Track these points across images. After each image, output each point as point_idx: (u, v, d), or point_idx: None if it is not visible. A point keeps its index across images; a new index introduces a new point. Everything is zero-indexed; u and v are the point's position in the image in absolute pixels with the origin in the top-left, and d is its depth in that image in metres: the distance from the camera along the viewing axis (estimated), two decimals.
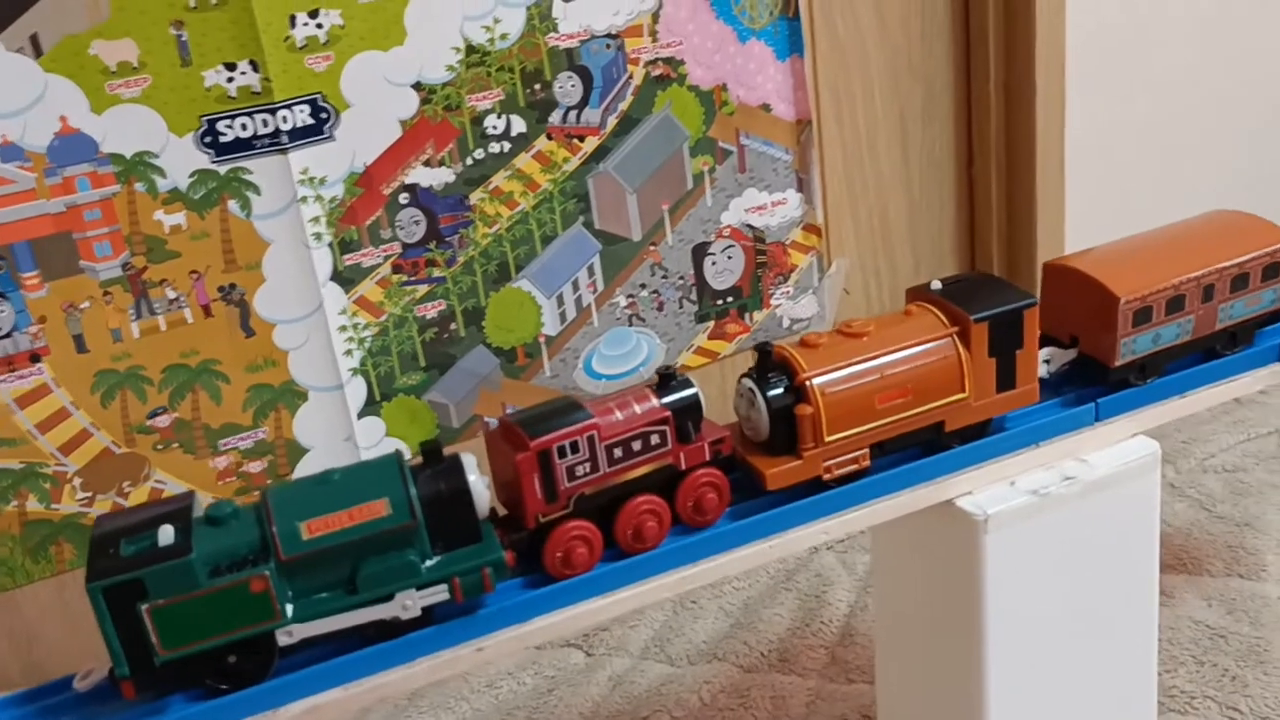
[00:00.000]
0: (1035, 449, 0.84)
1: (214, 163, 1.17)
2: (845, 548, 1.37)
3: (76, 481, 1.20)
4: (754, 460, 0.77)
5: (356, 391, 1.31)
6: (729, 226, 1.47)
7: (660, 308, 1.46)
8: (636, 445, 0.72)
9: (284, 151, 1.20)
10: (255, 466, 1.28)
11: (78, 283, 1.15)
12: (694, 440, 0.74)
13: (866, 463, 0.78)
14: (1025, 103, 1.55)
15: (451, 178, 1.29)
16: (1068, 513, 0.82)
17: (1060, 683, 0.88)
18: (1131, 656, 0.90)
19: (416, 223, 1.29)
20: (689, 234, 1.45)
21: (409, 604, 0.66)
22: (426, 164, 1.28)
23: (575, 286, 1.40)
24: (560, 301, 1.40)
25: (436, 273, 1.32)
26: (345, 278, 1.27)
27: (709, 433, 0.76)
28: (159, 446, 1.23)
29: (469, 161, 1.30)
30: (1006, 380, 0.81)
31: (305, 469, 1.31)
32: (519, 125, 1.31)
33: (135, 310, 1.18)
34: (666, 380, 0.75)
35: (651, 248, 1.43)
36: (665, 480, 0.74)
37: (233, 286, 1.22)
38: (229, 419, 1.26)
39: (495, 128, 1.30)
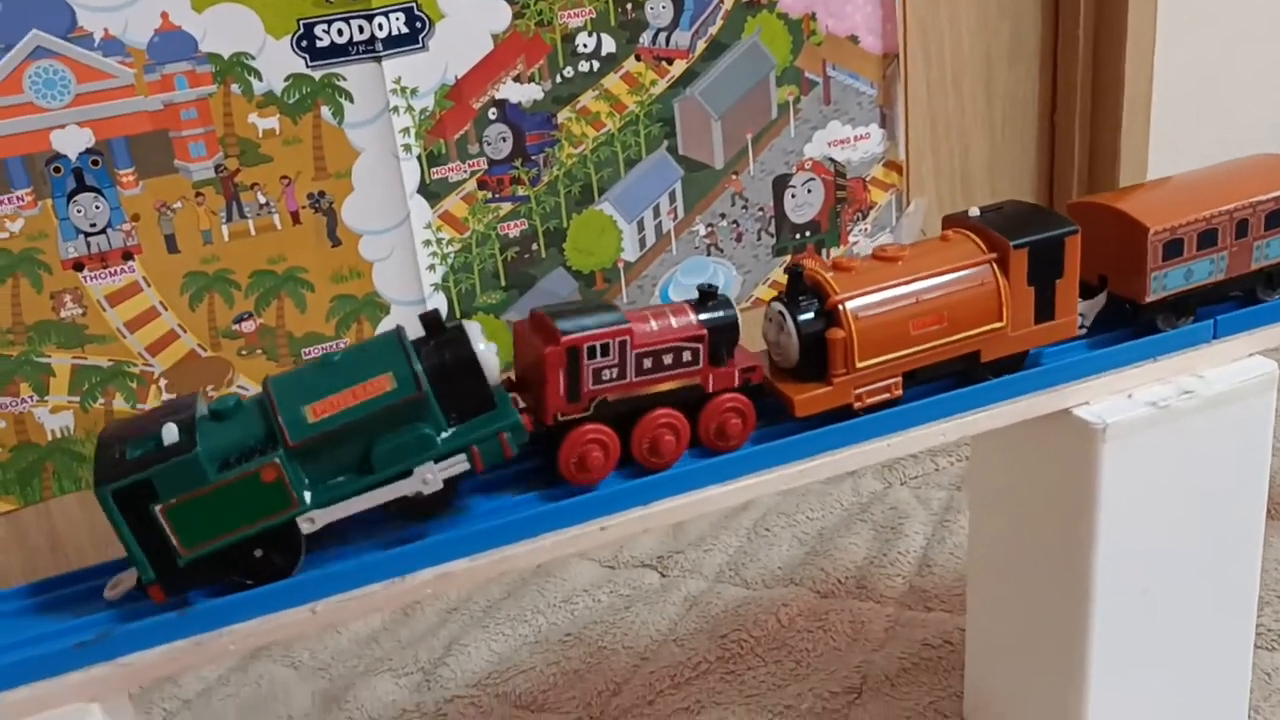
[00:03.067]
0: (1151, 363, 0.83)
1: (309, 67, 1.17)
2: (920, 484, 1.36)
3: (162, 383, 1.21)
4: (783, 387, 0.74)
5: (438, 306, 1.31)
6: (810, 159, 1.45)
7: (739, 238, 1.45)
8: (667, 359, 0.70)
9: (378, 59, 1.19)
10: None
11: (171, 182, 1.15)
12: (726, 364, 0.72)
13: (899, 392, 0.75)
14: (1114, 46, 1.53)
15: (540, 95, 1.28)
16: (1184, 427, 0.81)
17: (1163, 604, 0.87)
18: (1235, 581, 0.89)
19: (504, 139, 1.29)
20: (771, 165, 1.43)
21: (429, 478, 0.65)
22: (516, 80, 1.27)
23: (656, 212, 1.39)
24: (640, 227, 1.39)
25: (520, 191, 1.31)
26: (431, 191, 1.27)
27: (741, 359, 0.73)
28: (243, 352, 1.23)
29: (558, 79, 1.29)
30: (1045, 311, 0.78)
31: None
32: (609, 44, 1.30)
33: (226, 213, 1.18)
34: (707, 298, 0.73)
35: (733, 177, 1.42)
36: (690, 400, 0.71)
37: (322, 194, 1.22)
38: (312, 328, 1.26)
39: (585, 46, 1.29)
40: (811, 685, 1.04)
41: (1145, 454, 0.81)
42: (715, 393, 0.72)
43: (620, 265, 1.39)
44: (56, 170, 1.11)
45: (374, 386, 0.64)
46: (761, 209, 1.44)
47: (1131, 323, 0.83)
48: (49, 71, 1.08)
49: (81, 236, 1.13)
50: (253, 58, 1.15)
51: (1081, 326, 0.81)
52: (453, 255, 1.30)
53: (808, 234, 1.48)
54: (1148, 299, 0.80)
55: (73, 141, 1.11)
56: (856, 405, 0.74)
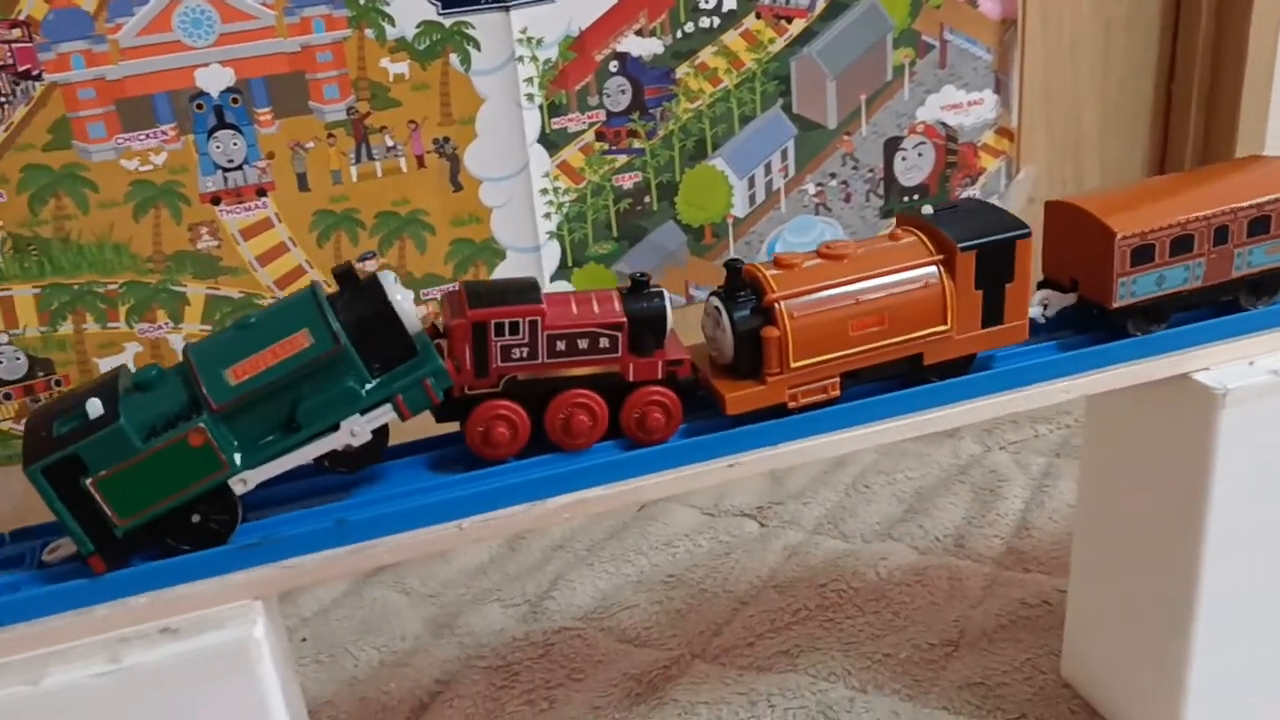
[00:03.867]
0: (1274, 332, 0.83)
1: (440, 14, 1.20)
2: (1019, 449, 1.37)
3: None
4: (717, 383, 0.72)
5: (551, 255, 1.34)
6: (923, 123, 1.46)
7: (847, 199, 1.46)
8: (582, 344, 0.70)
9: (506, 9, 1.22)
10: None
11: (305, 123, 1.20)
12: (650, 354, 0.71)
13: (836, 392, 0.73)
14: (1239, 15, 1.50)
15: (660, 49, 1.30)
16: None
17: (1272, 572, 0.88)
18: None
19: (623, 92, 1.31)
20: (883, 127, 1.44)
21: (357, 430, 0.65)
22: (638, 33, 1.29)
23: (767, 170, 1.41)
24: (751, 183, 1.41)
25: (636, 144, 1.33)
26: (551, 141, 1.29)
27: (670, 351, 0.72)
28: None
29: (678, 34, 1.31)
30: (993, 315, 0.75)
31: None
32: (730, 1, 1.31)
33: (355, 155, 1.22)
34: (638, 288, 0.72)
35: (845, 137, 1.42)
36: (610, 387, 0.71)
37: (446, 140, 1.25)
38: (431, 269, 1.30)
39: (707, 2, 1.30)
40: (909, 636, 1.06)
41: (1263, 421, 0.81)
42: (638, 383, 0.71)
43: (729, 221, 1.41)
44: (199, 107, 1.16)
45: (292, 344, 0.63)
46: (871, 170, 1.45)
47: (1099, 327, 0.80)
48: (196, 12, 1.13)
49: (219, 172, 1.18)
50: (387, 4, 1.18)
51: (1044, 314, 0.81)
52: (568, 205, 1.33)
53: (915, 197, 1.49)
54: (1114, 304, 0.78)
55: (215, 80, 1.15)
56: (791, 405, 0.72)
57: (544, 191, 1.31)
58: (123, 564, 0.64)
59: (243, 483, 0.64)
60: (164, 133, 1.15)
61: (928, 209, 0.77)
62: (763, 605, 1.13)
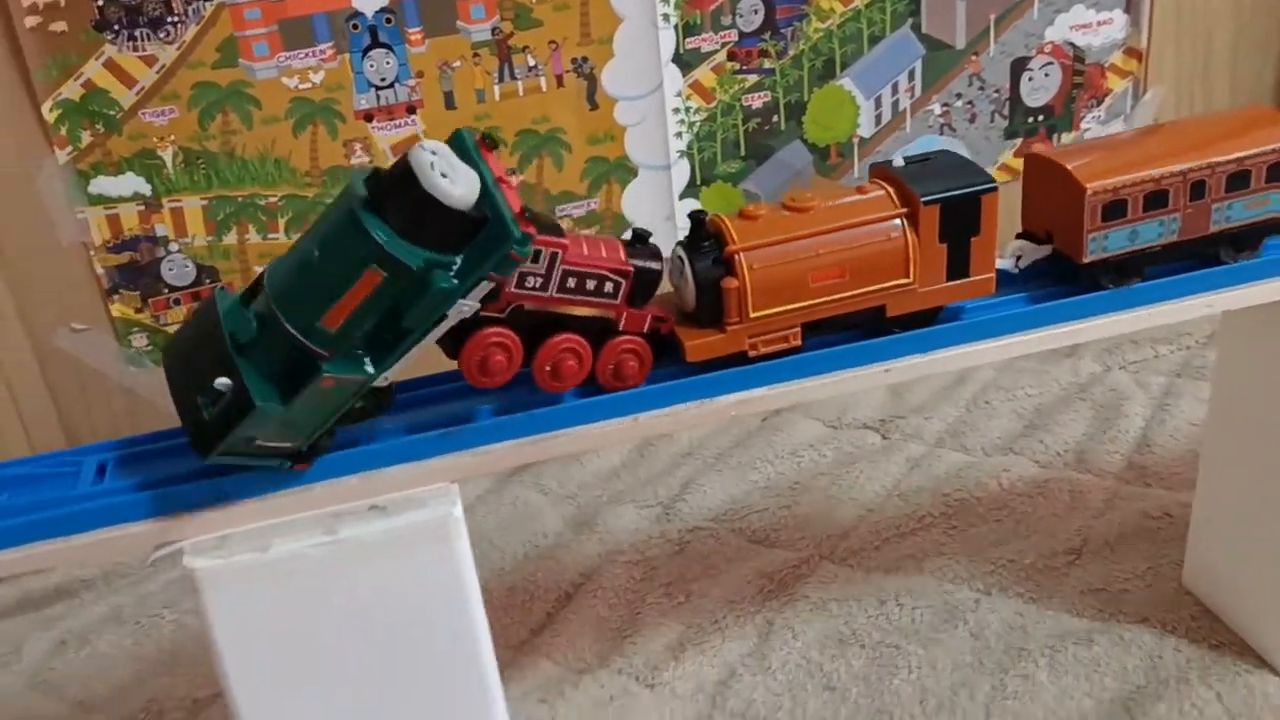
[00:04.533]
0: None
1: None
2: (1139, 369, 1.39)
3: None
4: (680, 330, 0.74)
5: (681, 173, 1.38)
6: (1051, 43, 1.46)
7: (972, 119, 1.47)
8: (591, 284, 0.70)
9: None
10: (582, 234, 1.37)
11: (453, 42, 1.24)
12: (642, 307, 0.73)
13: (798, 341, 0.74)
14: None
15: None
16: None
17: None
18: None
19: (755, 12, 1.33)
20: (1011, 47, 1.44)
21: (465, 309, 0.65)
22: None
23: (894, 90, 1.43)
24: (878, 104, 1.43)
25: (767, 64, 1.36)
26: (684, 61, 1.33)
27: (656, 308, 0.74)
28: None
29: None
30: (959, 268, 0.75)
31: None
32: None
33: (498, 74, 1.27)
34: (641, 240, 0.73)
35: (973, 57, 1.43)
36: (599, 330, 0.72)
37: (584, 60, 1.29)
38: (567, 187, 1.35)
39: None
40: (1033, 544, 1.10)
41: None
42: (623, 331, 0.72)
43: (855, 140, 1.43)
44: (354, 27, 1.21)
45: (368, 283, 0.63)
46: (997, 91, 1.46)
47: (1072, 281, 0.79)
48: None
49: (372, 90, 1.24)
50: None
51: (1016, 266, 0.81)
52: (699, 124, 1.36)
53: (1040, 118, 1.49)
54: (1085, 259, 0.77)
55: (370, 0, 1.20)
56: (751, 353, 0.74)
57: (676, 110, 1.35)
58: (319, 456, 0.69)
59: (384, 379, 0.67)
60: (322, 52, 1.21)
61: (899, 160, 0.77)
62: (888, 512, 1.18)
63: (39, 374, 1.24)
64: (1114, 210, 0.76)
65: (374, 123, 1.25)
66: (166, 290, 1.26)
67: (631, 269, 0.71)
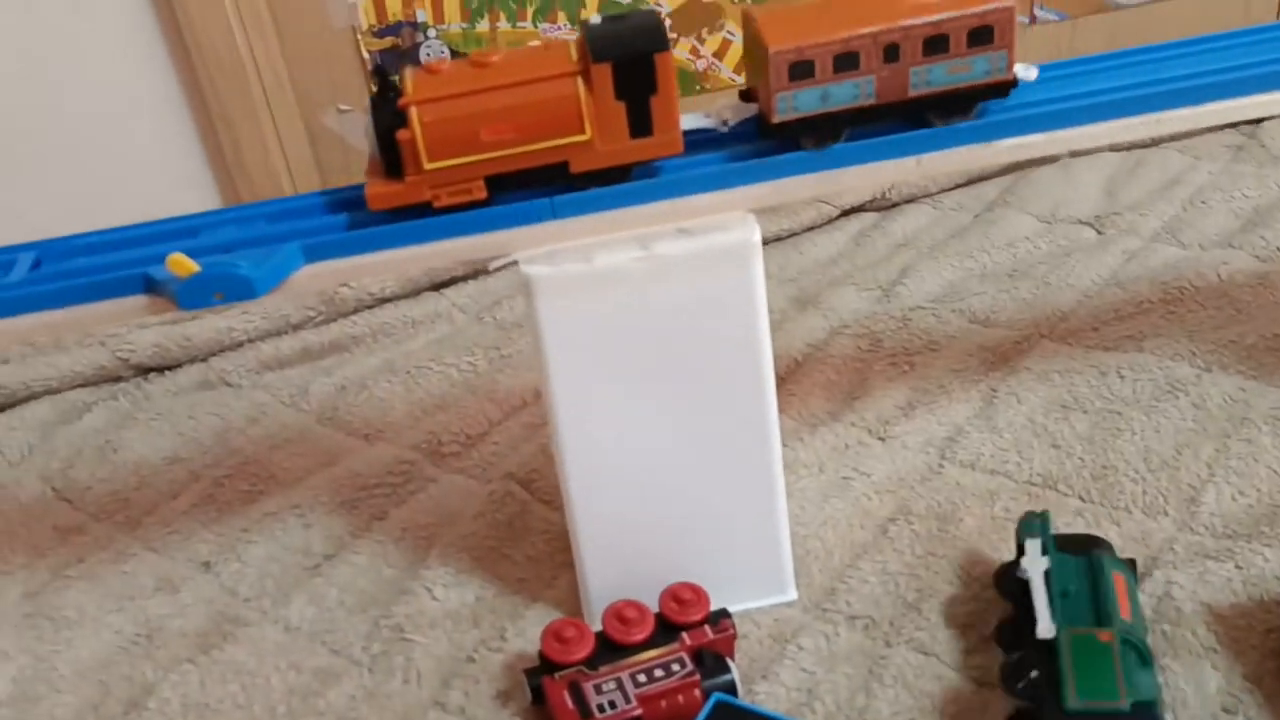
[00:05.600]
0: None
1: None
2: None
3: (667, 22, 1.38)
4: (369, 179, 0.78)
5: None
6: None
7: None
8: None
9: None
10: None
11: None
12: None
13: (482, 194, 0.77)
14: None
15: None
16: None
17: None
18: None
19: None
20: None
21: None
22: None
23: None
24: None
25: None
26: None
27: None
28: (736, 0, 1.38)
29: None
30: (641, 126, 0.76)
31: None
32: None
33: None
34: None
35: None
36: None
37: None
38: None
39: None
40: (1254, 328, 1.14)
41: None
42: None
43: None
44: None
45: None
46: None
47: (767, 138, 0.80)
48: None
49: None
50: None
51: (723, 125, 0.82)
52: None
53: None
54: (775, 119, 0.78)
55: None
56: (435, 204, 0.77)
57: None
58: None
59: None
60: None
61: (596, 19, 0.78)
62: (1106, 299, 1.22)
63: (309, 151, 1.36)
64: (801, 70, 0.76)
65: None
66: None
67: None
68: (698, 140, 0.81)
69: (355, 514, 1.06)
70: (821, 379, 1.16)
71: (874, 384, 1.15)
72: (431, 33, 1.32)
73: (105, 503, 1.13)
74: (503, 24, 1.33)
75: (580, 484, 0.85)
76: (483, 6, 1.32)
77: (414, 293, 1.38)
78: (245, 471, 1.14)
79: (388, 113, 0.75)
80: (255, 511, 1.08)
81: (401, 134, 0.75)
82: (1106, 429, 1.04)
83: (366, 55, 1.32)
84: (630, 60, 0.74)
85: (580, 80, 0.75)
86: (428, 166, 0.75)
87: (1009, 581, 0.85)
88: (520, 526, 1.02)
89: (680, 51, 1.38)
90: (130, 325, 1.30)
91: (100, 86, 1.26)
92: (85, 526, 1.10)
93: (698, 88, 1.41)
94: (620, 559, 0.89)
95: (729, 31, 1.39)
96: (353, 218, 0.80)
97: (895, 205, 1.47)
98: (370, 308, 1.36)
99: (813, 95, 0.77)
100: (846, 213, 1.46)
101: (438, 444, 1.14)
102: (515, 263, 0.78)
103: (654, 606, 0.86)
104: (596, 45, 0.75)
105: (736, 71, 1.42)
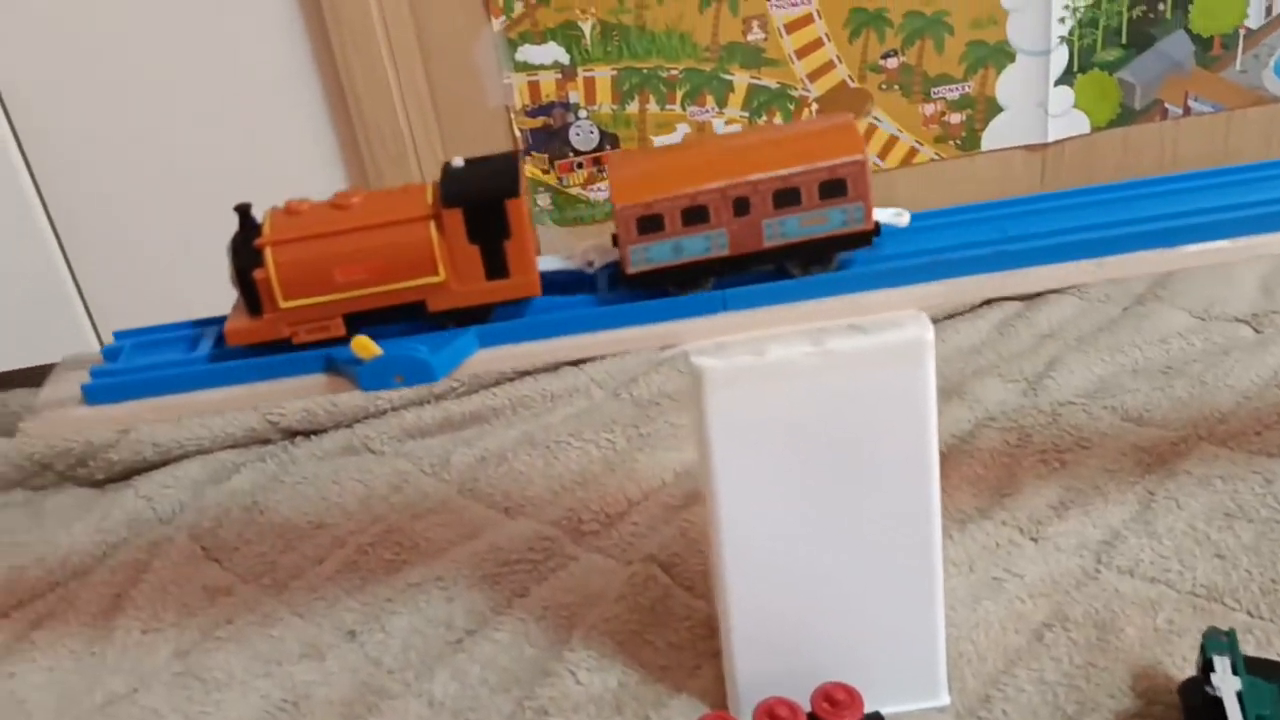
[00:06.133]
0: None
1: None
2: None
3: (814, 106, 1.38)
4: (232, 314, 0.80)
5: (1059, 59, 1.39)
6: None
7: None
8: None
9: None
10: (955, 118, 1.41)
11: None
12: None
13: (340, 331, 0.78)
14: None
15: None
16: None
17: None
18: None
19: None
20: None
21: None
22: None
23: None
24: None
25: None
26: None
27: None
28: (883, 86, 1.38)
29: None
30: (497, 268, 0.78)
31: (996, 129, 1.42)
32: None
33: None
34: None
35: None
36: None
37: None
38: (945, 70, 1.38)
39: None
40: None
41: None
42: None
43: (1241, 31, 1.40)
44: None
45: None
46: None
47: (623, 285, 0.80)
48: None
49: None
50: None
51: (590, 264, 0.82)
52: (1083, 9, 1.37)
53: None
54: (629, 270, 0.78)
55: None
56: (295, 340, 0.78)
57: None
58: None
59: None
60: None
61: (458, 161, 0.80)
62: (1267, 400, 1.18)
63: None
64: (649, 224, 0.77)
65: (772, 1, 1.32)
66: (572, 154, 1.37)
67: None
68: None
69: (497, 589, 1.07)
70: (969, 473, 1.14)
71: (1024, 481, 1.12)
72: (582, 114, 1.34)
73: (252, 565, 1.15)
74: (652, 106, 1.35)
75: (737, 576, 0.84)
76: (633, 90, 1.34)
77: (553, 367, 1.39)
78: (389, 540, 1.15)
79: (245, 252, 0.78)
80: (399, 581, 1.09)
81: (258, 273, 0.77)
82: (1274, 539, 1.00)
83: (518, 133, 1.35)
84: (481, 206, 0.76)
85: (433, 224, 0.77)
86: (283, 305, 0.77)
87: (1195, 696, 0.81)
88: (662, 611, 1.01)
89: None
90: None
91: (268, 166, 1.30)
92: (233, 588, 1.12)
93: None
94: (771, 654, 0.87)
95: (876, 117, 1.39)
96: (524, 303, 0.81)
97: (1040, 294, 1.45)
98: (510, 380, 1.38)
99: (664, 248, 0.78)
100: (988, 300, 1.44)
101: (578, 521, 1.14)
102: (684, 353, 0.79)
103: (804, 704, 0.85)
104: (449, 190, 0.77)
105: (880, 156, 1.41)
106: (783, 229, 0.78)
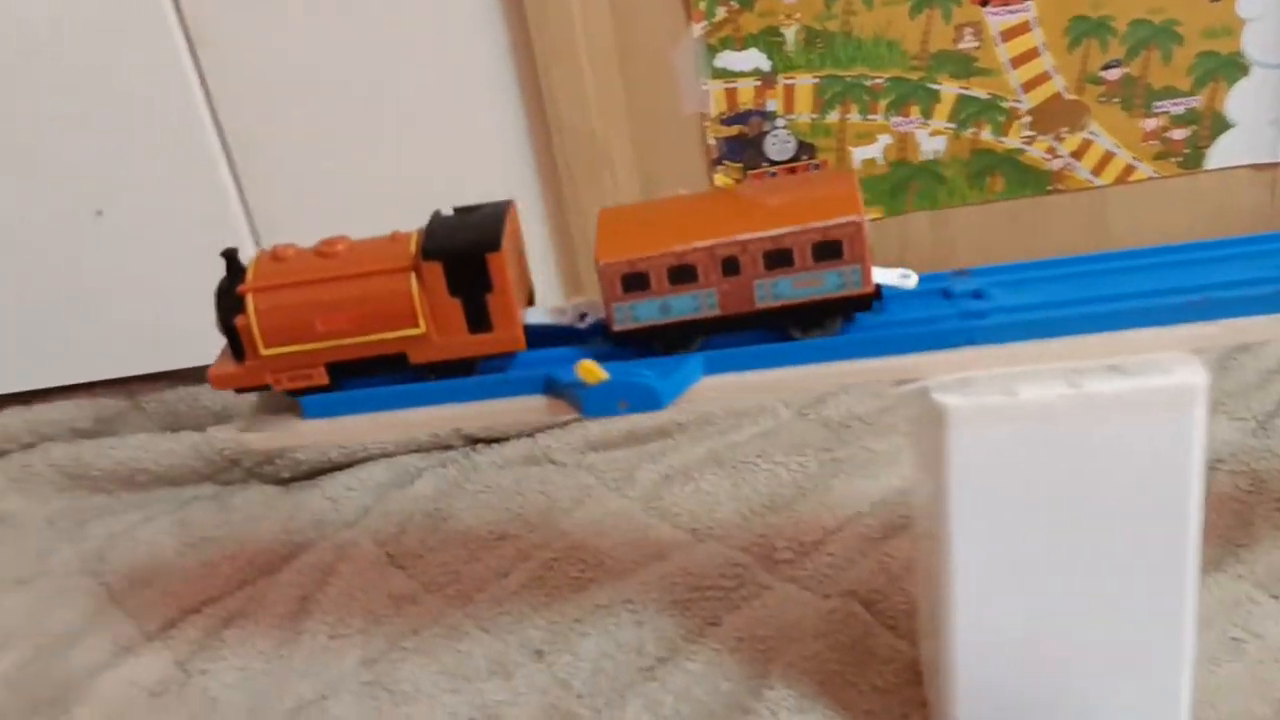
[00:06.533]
0: None
1: None
2: None
3: (1026, 119, 1.31)
4: (218, 358, 0.79)
5: None
6: None
7: None
8: None
9: None
10: (1178, 134, 1.32)
11: None
12: None
13: (324, 380, 0.77)
14: None
15: None
16: None
17: None
18: None
19: None
20: None
21: None
22: None
23: None
24: None
25: None
26: None
27: None
28: (1102, 99, 1.30)
29: None
30: (479, 322, 0.76)
31: (1222, 146, 1.33)
32: None
33: None
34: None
35: None
36: None
37: None
38: (1170, 82, 1.29)
39: None
40: None
41: None
42: None
43: None
44: None
45: None
46: None
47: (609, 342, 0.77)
48: None
49: None
50: None
51: (582, 318, 0.80)
52: None
53: None
54: (615, 328, 0.76)
55: None
56: (276, 387, 0.78)
57: None
58: None
59: None
60: None
61: (449, 211, 0.78)
62: None
63: None
64: (634, 282, 0.75)
65: (988, 8, 1.25)
66: (765, 164, 1.33)
67: None
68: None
69: (688, 615, 1.03)
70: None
71: (1260, 531, 1.03)
72: (780, 122, 1.30)
73: (436, 574, 1.13)
74: (853, 115, 1.29)
75: (967, 626, 0.78)
76: (835, 99, 1.29)
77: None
78: (574, 556, 1.12)
79: (228, 298, 0.78)
80: (586, 601, 1.06)
81: (239, 320, 0.77)
82: None
83: (712, 142, 1.31)
84: (460, 260, 0.75)
85: (413, 276, 0.75)
86: (264, 353, 0.77)
87: None
88: (864, 651, 0.96)
89: (1037, 150, 1.31)
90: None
91: (462, 167, 1.29)
92: (418, 597, 1.11)
93: (1049, 188, 1.33)
94: (998, 709, 0.81)
95: (1092, 131, 1.31)
96: (752, 333, 0.77)
97: None
98: None
99: (651, 306, 0.75)
100: None
101: (770, 549, 1.10)
102: (924, 388, 0.73)
103: None
104: (430, 242, 0.75)
105: (1095, 172, 1.33)
106: (775, 290, 0.75)
